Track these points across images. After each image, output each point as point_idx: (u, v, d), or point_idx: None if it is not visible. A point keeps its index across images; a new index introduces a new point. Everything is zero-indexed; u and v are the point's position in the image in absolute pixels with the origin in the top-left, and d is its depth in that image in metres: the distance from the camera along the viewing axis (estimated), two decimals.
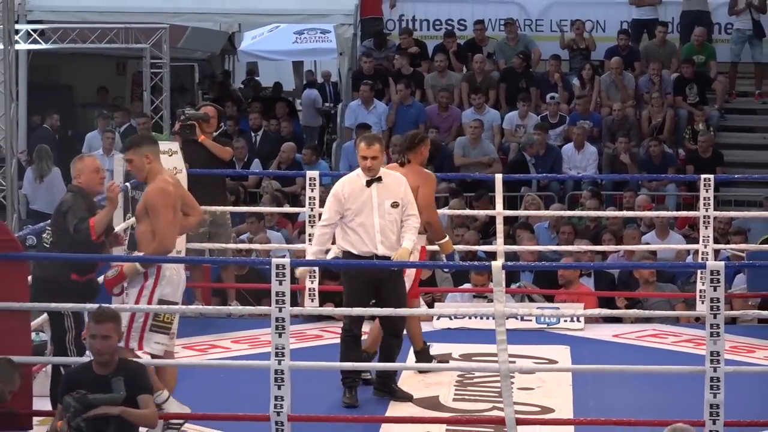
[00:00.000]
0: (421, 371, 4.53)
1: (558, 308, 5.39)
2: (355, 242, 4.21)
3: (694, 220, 5.71)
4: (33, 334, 4.15)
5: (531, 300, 5.82)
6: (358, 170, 4.30)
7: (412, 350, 4.63)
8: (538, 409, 4.23)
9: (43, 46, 8.81)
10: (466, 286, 5.76)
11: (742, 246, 5.74)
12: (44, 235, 4.08)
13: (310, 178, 5.43)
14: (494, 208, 5.51)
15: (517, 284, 5.94)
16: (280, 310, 3.60)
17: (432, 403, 4.30)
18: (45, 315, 4.33)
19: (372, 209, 4.20)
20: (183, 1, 9.52)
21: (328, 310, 4.78)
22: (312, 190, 5.40)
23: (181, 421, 3.82)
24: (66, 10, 9.30)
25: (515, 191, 7.61)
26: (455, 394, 4.40)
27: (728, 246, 5.78)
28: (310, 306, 5.32)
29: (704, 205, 5.33)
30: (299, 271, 4.32)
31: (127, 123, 9.01)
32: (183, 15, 9.62)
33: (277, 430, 3.62)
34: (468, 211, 6.61)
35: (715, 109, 8.82)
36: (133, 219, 4.56)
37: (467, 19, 9.42)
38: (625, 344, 5.21)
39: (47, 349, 4.37)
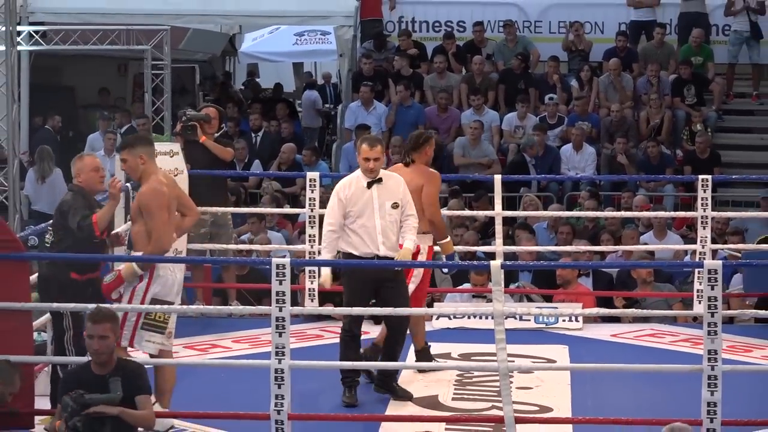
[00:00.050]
0: (421, 370, 4.55)
1: (556, 308, 5.40)
2: (357, 244, 4.23)
3: (692, 221, 5.74)
4: (35, 334, 4.18)
5: (530, 300, 5.85)
6: (358, 172, 4.31)
7: (412, 349, 4.66)
8: (537, 408, 4.24)
9: (44, 47, 8.83)
10: (466, 286, 5.78)
11: (740, 246, 5.76)
12: (47, 236, 4.10)
13: (310, 179, 5.45)
14: (493, 209, 5.53)
15: (516, 284, 5.97)
16: (281, 310, 3.61)
17: (431, 402, 4.32)
18: (47, 314, 4.37)
19: (373, 210, 4.22)
20: (184, 3, 9.55)
21: (328, 309, 4.81)
22: (312, 191, 5.41)
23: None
24: (68, 12, 9.33)
25: (515, 192, 7.63)
26: (454, 394, 4.42)
27: (725, 246, 5.81)
28: (310, 306, 5.36)
29: (702, 205, 5.35)
30: (323, 277, 4.26)
31: (127, 124, 9.04)
32: (184, 17, 9.64)
33: (277, 429, 3.63)
34: (467, 212, 6.63)
35: (712, 110, 8.85)
36: None
37: (466, 20, 9.45)
38: (623, 344, 5.23)
39: (48, 349, 4.40)
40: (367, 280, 4.22)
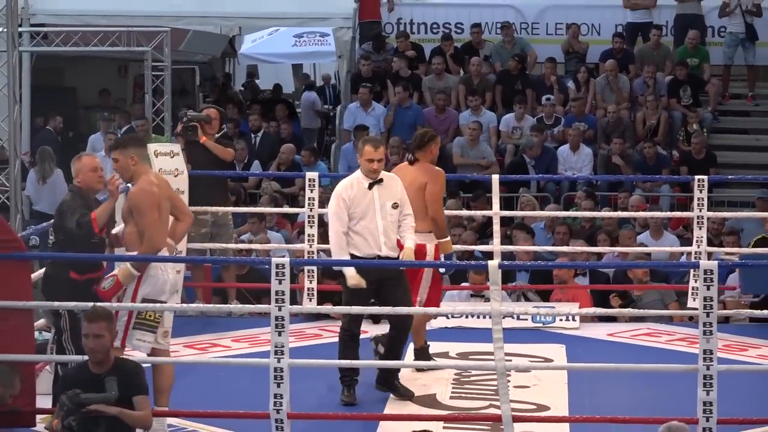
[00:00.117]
0: (419, 369, 4.57)
1: (553, 307, 5.42)
2: (359, 245, 4.25)
3: (688, 221, 5.77)
4: (36, 333, 4.20)
5: (527, 299, 5.88)
6: (358, 173, 4.33)
7: (411, 348, 4.67)
8: (534, 406, 4.27)
9: (46, 49, 8.85)
10: (463, 285, 5.81)
11: (734, 249, 5.79)
12: (50, 237, 4.13)
13: (310, 179, 5.48)
14: (491, 209, 5.55)
15: (514, 284, 6.01)
16: (280, 309, 3.63)
17: (429, 400, 4.33)
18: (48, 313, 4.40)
19: (375, 211, 4.24)
20: (184, 4, 9.59)
21: (327, 308, 4.84)
22: (311, 191, 5.43)
23: None
24: (69, 14, 9.38)
25: (514, 192, 7.65)
26: (452, 392, 4.44)
27: (722, 249, 5.84)
28: (309, 305, 5.39)
29: (698, 205, 5.38)
30: (354, 279, 4.20)
31: (127, 125, 9.08)
32: (184, 18, 9.69)
33: (276, 428, 3.64)
34: (465, 212, 6.66)
35: (708, 111, 8.88)
36: None
37: (464, 22, 9.48)
38: (619, 343, 5.26)
39: (49, 348, 4.42)
40: (369, 280, 4.23)
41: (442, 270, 4.57)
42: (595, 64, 9.11)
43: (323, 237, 6.02)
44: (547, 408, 4.26)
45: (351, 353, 4.29)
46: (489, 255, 5.47)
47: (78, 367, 3.60)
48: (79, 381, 3.49)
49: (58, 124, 9.66)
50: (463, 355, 4.90)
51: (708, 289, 3.59)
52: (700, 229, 5.38)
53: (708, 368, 3.60)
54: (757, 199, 7.43)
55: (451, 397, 4.39)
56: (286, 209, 7.07)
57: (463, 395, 4.41)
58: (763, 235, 5.79)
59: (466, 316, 5.25)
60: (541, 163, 8.08)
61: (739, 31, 8.93)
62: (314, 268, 5.37)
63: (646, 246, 6.45)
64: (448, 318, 5.29)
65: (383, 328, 4.82)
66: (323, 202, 6.16)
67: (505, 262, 5.05)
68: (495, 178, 5.57)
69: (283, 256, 3.88)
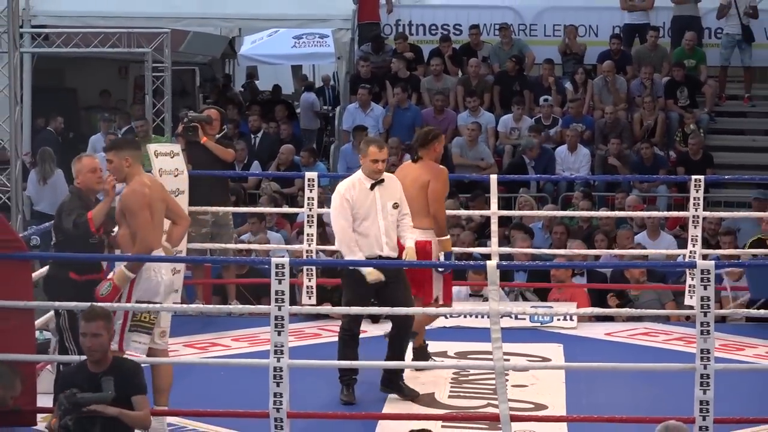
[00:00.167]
0: (418, 369, 4.59)
1: (551, 307, 5.45)
2: (362, 245, 4.27)
3: (685, 221, 5.80)
4: (37, 333, 4.22)
5: (525, 299, 5.91)
6: (359, 174, 4.35)
7: (410, 347, 4.68)
8: (532, 406, 4.29)
9: (47, 50, 8.87)
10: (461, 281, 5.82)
11: (731, 251, 5.81)
12: (53, 238, 4.16)
13: (309, 180, 5.50)
14: (489, 209, 5.58)
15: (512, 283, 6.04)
16: (279, 309, 3.64)
17: (428, 399, 4.36)
18: (49, 313, 4.43)
19: (377, 212, 4.27)
20: (184, 6, 9.62)
21: (327, 309, 4.86)
22: (311, 191, 5.46)
23: None
24: (69, 15, 9.40)
25: (514, 193, 7.66)
26: (451, 391, 4.47)
27: (719, 251, 5.87)
28: (308, 302, 5.39)
29: (694, 205, 5.40)
30: (373, 274, 4.22)
31: (127, 125, 9.11)
32: (184, 20, 9.71)
33: (276, 427, 3.66)
34: (463, 212, 6.69)
35: (705, 112, 8.91)
36: None
37: (463, 24, 9.51)
38: (617, 342, 5.28)
39: (50, 347, 4.45)
40: (371, 280, 4.25)
41: (440, 270, 4.59)
42: (593, 66, 9.14)
43: (322, 237, 6.07)
44: (544, 407, 4.29)
45: (351, 353, 4.31)
46: (487, 256, 5.49)
47: (77, 366, 3.61)
48: (78, 380, 3.49)
49: (59, 124, 9.68)
50: (461, 355, 4.92)
51: (705, 288, 3.61)
52: (695, 228, 5.40)
53: (705, 367, 3.62)
54: (753, 200, 7.46)
55: (450, 396, 4.41)
56: (286, 209, 7.10)
57: (461, 394, 4.43)
58: (758, 236, 5.81)
59: (465, 316, 5.27)
60: (538, 163, 8.11)
61: (735, 32, 8.97)
62: (313, 267, 5.42)
63: (643, 245, 6.48)
64: (446, 317, 5.30)
65: (382, 328, 4.85)
66: (322, 202, 6.19)
67: (503, 262, 5.07)
68: (493, 178, 5.60)
69: (283, 257, 3.88)
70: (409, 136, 8.51)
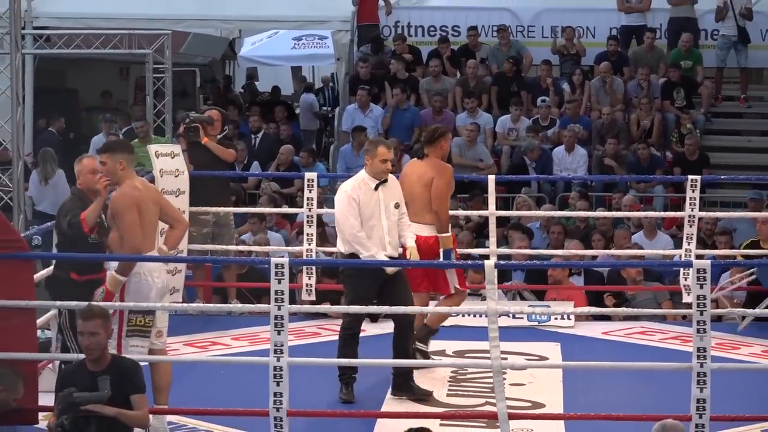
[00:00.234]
0: (416, 367, 4.62)
1: (549, 306, 5.47)
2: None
3: (681, 221, 5.84)
4: (38, 332, 4.25)
5: (523, 298, 5.94)
6: (362, 174, 4.37)
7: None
8: (530, 404, 4.32)
9: (48, 51, 8.91)
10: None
11: (727, 251, 5.85)
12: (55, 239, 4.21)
13: (308, 180, 5.53)
14: (487, 209, 5.62)
15: (509, 283, 6.06)
16: (279, 308, 3.66)
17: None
18: (51, 312, 4.46)
19: (380, 212, 4.31)
20: (185, 7, 9.65)
21: (326, 308, 4.90)
22: (310, 191, 5.48)
23: None
24: (71, 17, 9.43)
25: (515, 193, 7.68)
26: (449, 390, 4.49)
27: (714, 251, 5.91)
28: (307, 299, 5.42)
29: (690, 205, 5.43)
30: (412, 250, 4.32)
31: (127, 126, 9.16)
32: (185, 21, 9.74)
33: (276, 425, 3.68)
34: (461, 212, 6.74)
35: (701, 112, 8.96)
36: None
37: (461, 25, 9.54)
38: (614, 341, 5.31)
39: (52, 346, 4.48)
40: (375, 279, 4.29)
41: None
42: (590, 67, 9.18)
43: (322, 237, 6.11)
44: (542, 405, 4.31)
45: (350, 351, 4.33)
46: (485, 256, 5.52)
47: (76, 365, 3.63)
48: (77, 379, 3.51)
49: (60, 125, 9.70)
50: (459, 354, 4.95)
51: (701, 287, 3.63)
52: (690, 227, 5.43)
53: (702, 366, 3.63)
54: (749, 200, 7.51)
55: (448, 395, 4.44)
56: (286, 209, 7.13)
57: (459, 393, 4.46)
58: (752, 239, 5.85)
59: (463, 315, 5.29)
60: (539, 164, 8.15)
61: (731, 34, 9.01)
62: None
63: (640, 245, 6.51)
64: None
65: (380, 327, 4.89)
66: (322, 202, 6.22)
67: (501, 262, 5.10)
68: (491, 178, 5.63)
69: (283, 257, 3.91)
70: (408, 136, 8.57)
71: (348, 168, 8.22)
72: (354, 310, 4.27)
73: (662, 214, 6.95)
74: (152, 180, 5.16)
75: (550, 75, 9.03)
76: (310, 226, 5.50)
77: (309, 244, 5.48)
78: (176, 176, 5.30)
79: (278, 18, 9.95)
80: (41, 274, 4.53)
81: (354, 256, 4.31)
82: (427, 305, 4.71)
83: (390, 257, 4.34)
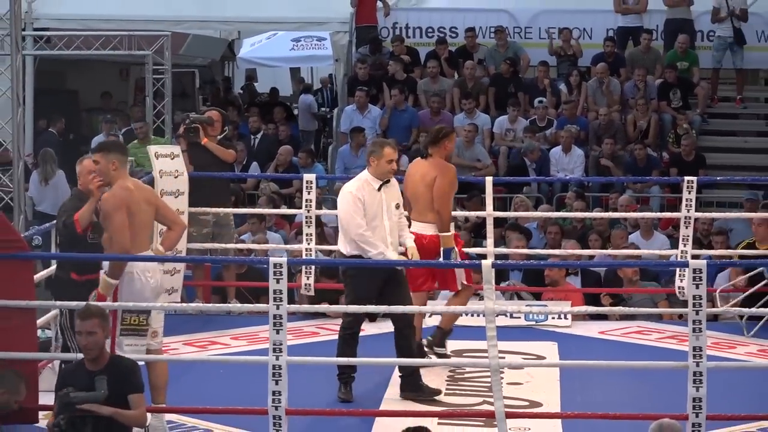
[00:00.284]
0: (420, 366, 4.64)
1: (546, 306, 5.50)
2: None
3: (678, 221, 5.88)
4: (39, 331, 4.28)
5: (520, 298, 5.97)
6: (365, 175, 4.39)
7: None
8: (527, 403, 4.34)
9: (49, 52, 8.93)
10: None
11: (723, 251, 5.89)
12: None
13: (307, 180, 5.55)
14: (485, 209, 5.65)
15: (506, 283, 6.08)
16: (278, 308, 3.68)
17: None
18: (51, 312, 4.49)
19: (383, 212, 4.34)
20: (184, 9, 9.68)
21: (325, 307, 4.93)
22: (309, 192, 5.51)
23: None
24: (71, 18, 9.46)
25: (516, 194, 7.70)
26: (447, 389, 4.50)
27: (710, 251, 5.94)
28: (306, 294, 5.44)
29: (686, 206, 5.47)
30: (412, 250, 4.39)
31: (127, 127, 9.20)
32: (184, 23, 9.78)
33: (274, 424, 3.70)
34: (458, 212, 6.77)
35: (697, 113, 8.99)
36: None
37: (458, 26, 9.56)
38: (610, 341, 5.34)
39: (52, 346, 4.51)
40: (377, 279, 4.32)
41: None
42: (587, 68, 9.21)
43: (321, 237, 6.13)
44: (539, 404, 4.33)
45: (350, 351, 4.35)
46: (483, 256, 5.54)
47: (75, 364, 3.64)
48: (75, 378, 3.52)
49: (60, 126, 9.72)
50: (457, 353, 4.96)
51: (697, 287, 3.65)
52: (686, 228, 5.47)
53: (698, 365, 3.65)
54: (745, 201, 7.54)
55: (446, 394, 4.45)
56: (285, 210, 7.15)
57: (457, 392, 4.47)
58: (747, 240, 5.89)
59: (461, 314, 5.33)
60: (537, 165, 8.18)
61: (727, 35, 9.05)
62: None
63: (636, 245, 6.55)
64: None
65: (378, 326, 4.91)
66: (320, 202, 6.23)
67: (498, 262, 5.13)
68: (488, 179, 5.67)
69: (281, 256, 3.93)
70: (406, 137, 8.60)
71: (346, 168, 8.25)
72: (352, 310, 4.29)
73: (659, 214, 6.99)
74: (152, 181, 5.19)
75: (547, 76, 9.07)
76: (308, 226, 5.53)
77: (308, 244, 5.51)
78: (175, 177, 5.32)
79: (277, 19, 9.99)
80: (41, 274, 4.56)
81: (357, 256, 4.32)
82: (425, 305, 4.74)
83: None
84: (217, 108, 6.29)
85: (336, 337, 4.50)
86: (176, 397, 4.10)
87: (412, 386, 4.36)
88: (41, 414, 3.94)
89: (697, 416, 3.66)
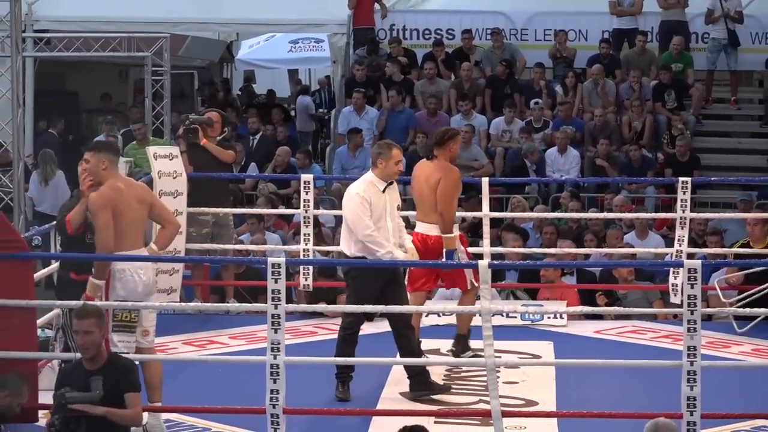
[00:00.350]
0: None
1: (542, 306, 5.52)
2: None
3: (673, 221, 5.93)
4: (39, 331, 4.30)
5: (516, 298, 6.01)
6: (370, 176, 4.42)
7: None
8: (523, 402, 4.36)
9: (48, 54, 8.95)
10: None
11: (718, 250, 5.94)
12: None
13: (305, 181, 5.58)
14: (481, 210, 5.67)
15: (503, 283, 6.13)
16: (276, 308, 3.69)
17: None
18: (52, 312, 4.52)
19: (387, 214, 4.38)
20: (183, 11, 9.71)
21: (323, 307, 4.95)
22: (306, 193, 5.53)
23: None
24: (71, 20, 9.49)
25: (517, 195, 7.73)
26: None
27: (706, 250, 5.99)
28: (304, 305, 5.50)
29: (681, 206, 5.49)
30: (411, 251, 4.44)
31: (126, 128, 9.23)
32: (183, 24, 9.82)
33: (272, 423, 3.69)
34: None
35: (692, 114, 9.02)
36: None
37: (455, 28, 9.60)
38: (606, 340, 5.36)
39: (50, 345, 4.53)
40: (380, 280, 4.35)
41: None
42: (583, 69, 9.26)
43: (318, 237, 6.16)
44: (535, 403, 4.35)
45: (349, 351, 4.38)
46: (479, 256, 5.58)
47: (74, 364, 3.64)
48: (73, 378, 3.53)
49: (60, 127, 9.74)
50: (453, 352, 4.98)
51: (692, 287, 3.67)
52: (682, 228, 5.49)
53: (692, 364, 3.66)
54: (739, 201, 7.59)
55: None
56: (283, 210, 7.17)
57: (453, 391, 4.49)
58: (741, 241, 5.94)
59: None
60: (537, 166, 8.22)
61: (721, 37, 9.10)
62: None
63: (631, 245, 6.58)
64: (439, 316, 5.38)
65: (376, 326, 4.94)
66: (318, 203, 6.25)
67: (495, 262, 5.16)
68: (485, 180, 5.70)
69: (280, 256, 3.95)
70: (403, 138, 8.64)
71: (343, 169, 8.30)
72: (349, 310, 4.32)
73: (654, 215, 7.03)
74: (150, 181, 5.22)
75: (543, 77, 9.11)
76: (306, 226, 5.56)
77: (306, 244, 5.54)
78: (174, 178, 5.35)
79: (275, 21, 10.02)
80: (41, 273, 4.58)
81: (361, 258, 4.34)
82: (423, 305, 4.77)
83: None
84: (216, 109, 6.32)
85: (334, 336, 4.53)
86: (174, 396, 4.12)
87: (422, 385, 4.37)
88: (41, 413, 3.96)
89: (691, 415, 3.66)
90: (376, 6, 9.63)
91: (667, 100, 8.94)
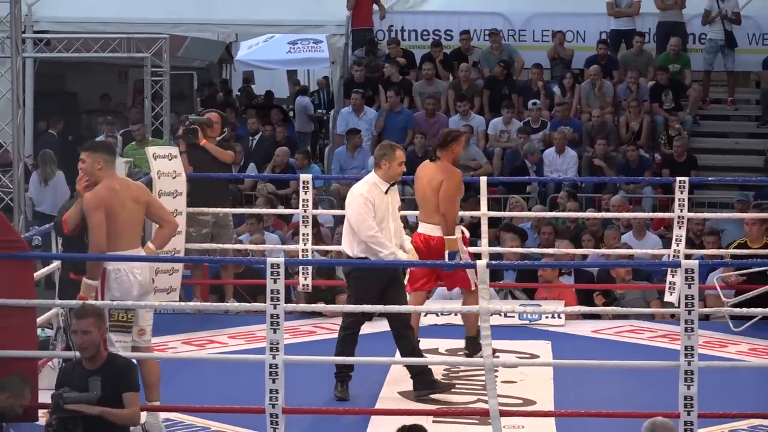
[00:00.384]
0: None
1: (540, 305, 5.54)
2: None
3: (669, 221, 5.94)
4: (39, 330, 4.31)
5: (514, 297, 6.03)
6: (373, 177, 4.43)
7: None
8: (521, 401, 4.38)
9: (48, 55, 8.97)
10: None
11: (715, 251, 5.96)
12: None
13: (304, 181, 5.60)
14: (479, 210, 5.69)
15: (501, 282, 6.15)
16: (275, 307, 3.70)
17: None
18: (51, 311, 4.53)
19: (389, 215, 4.40)
20: (182, 12, 9.73)
21: (322, 307, 4.96)
22: (305, 193, 5.55)
23: None
24: (71, 21, 9.53)
25: (517, 195, 7.74)
26: None
27: (703, 251, 6.01)
28: (303, 290, 5.48)
29: (678, 206, 5.51)
30: (411, 252, 4.47)
31: (126, 128, 9.25)
32: (182, 25, 9.85)
33: (271, 422, 3.70)
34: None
35: (689, 115, 9.04)
36: None
37: (454, 29, 9.63)
38: (603, 340, 5.38)
39: (52, 344, 4.55)
40: (382, 281, 4.37)
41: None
42: (580, 70, 9.28)
43: (317, 237, 6.18)
44: (533, 402, 4.37)
45: (348, 350, 4.39)
46: (477, 255, 5.60)
47: (73, 363, 3.64)
48: (72, 378, 3.54)
49: (60, 128, 9.75)
50: (452, 352, 5.00)
51: (689, 287, 3.69)
52: (680, 228, 5.51)
53: (689, 364, 3.67)
54: (736, 202, 7.62)
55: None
56: (282, 210, 7.19)
57: (452, 390, 4.50)
58: (738, 241, 5.96)
59: (456, 314, 5.35)
60: (537, 167, 8.23)
61: (718, 38, 9.13)
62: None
63: (629, 245, 6.60)
64: (438, 315, 5.40)
65: (374, 326, 4.96)
66: (316, 203, 6.27)
67: (493, 262, 5.18)
68: (483, 180, 5.72)
69: (279, 256, 3.96)
70: (402, 139, 8.66)
71: (342, 169, 8.32)
72: (349, 310, 4.34)
73: (651, 215, 7.05)
74: (150, 182, 5.23)
75: (541, 78, 9.13)
76: (305, 226, 5.57)
77: (304, 244, 5.56)
78: (173, 178, 5.37)
79: (274, 22, 10.05)
80: (41, 272, 4.60)
81: (363, 259, 4.35)
82: (423, 304, 4.79)
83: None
84: (215, 109, 6.34)
85: (333, 336, 4.56)
86: (174, 396, 4.14)
87: (425, 383, 4.38)
88: (41, 412, 3.96)
89: (688, 414, 3.67)
90: (375, 7, 9.65)
91: (665, 100, 8.97)
